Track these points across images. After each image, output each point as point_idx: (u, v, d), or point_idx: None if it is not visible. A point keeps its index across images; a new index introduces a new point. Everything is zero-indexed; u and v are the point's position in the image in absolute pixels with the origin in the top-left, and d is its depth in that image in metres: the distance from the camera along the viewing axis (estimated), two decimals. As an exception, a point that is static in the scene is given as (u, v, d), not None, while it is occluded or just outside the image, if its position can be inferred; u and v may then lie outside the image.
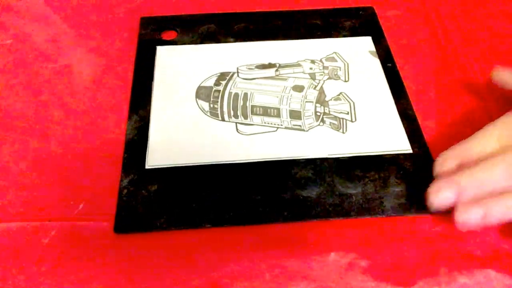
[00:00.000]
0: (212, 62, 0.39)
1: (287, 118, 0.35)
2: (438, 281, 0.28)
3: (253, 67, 0.38)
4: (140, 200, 0.31)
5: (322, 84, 0.37)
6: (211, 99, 0.36)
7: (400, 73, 0.38)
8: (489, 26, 0.42)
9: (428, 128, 0.35)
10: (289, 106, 0.36)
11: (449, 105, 0.37)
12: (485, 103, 0.36)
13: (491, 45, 0.40)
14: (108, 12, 0.43)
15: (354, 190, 0.31)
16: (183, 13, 0.43)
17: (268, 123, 0.35)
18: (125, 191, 0.32)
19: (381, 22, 0.42)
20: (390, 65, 0.39)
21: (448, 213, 0.28)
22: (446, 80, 0.38)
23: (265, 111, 0.36)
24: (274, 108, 0.36)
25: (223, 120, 0.35)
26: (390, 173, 0.32)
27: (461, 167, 0.29)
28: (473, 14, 0.43)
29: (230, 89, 0.37)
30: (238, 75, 0.38)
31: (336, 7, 0.44)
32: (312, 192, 0.31)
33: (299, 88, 0.37)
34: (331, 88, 0.37)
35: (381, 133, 0.34)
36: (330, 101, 0.36)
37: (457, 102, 0.37)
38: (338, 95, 0.37)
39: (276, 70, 0.38)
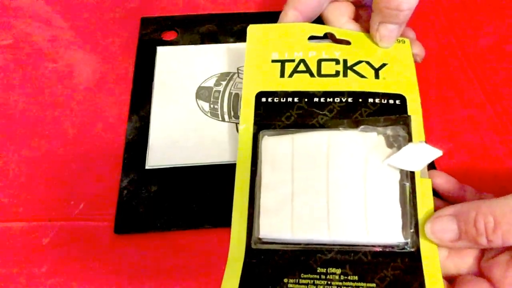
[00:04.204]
0: (212, 62, 0.39)
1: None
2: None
3: (253, 68, 0.38)
4: (140, 201, 0.31)
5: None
6: (212, 100, 0.36)
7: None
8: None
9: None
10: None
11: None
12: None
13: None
14: (108, 12, 0.43)
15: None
16: (183, 13, 0.43)
17: (268, 124, 0.35)
18: (125, 191, 0.32)
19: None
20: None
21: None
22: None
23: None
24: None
25: (223, 120, 0.35)
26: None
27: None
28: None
29: (231, 89, 0.37)
30: (238, 76, 0.38)
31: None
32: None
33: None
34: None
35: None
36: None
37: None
38: None
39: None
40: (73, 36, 0.41)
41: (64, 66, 0.39)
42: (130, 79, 0.38)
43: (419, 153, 0.27)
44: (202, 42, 0.40)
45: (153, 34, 0.41)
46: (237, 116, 0.35)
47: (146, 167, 0.33)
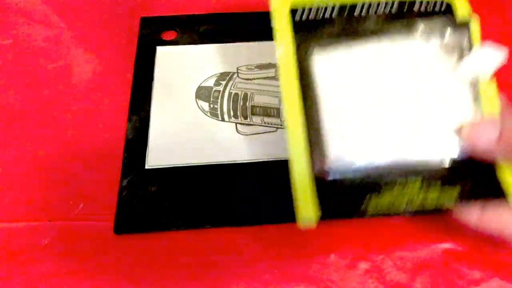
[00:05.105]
0: (212, 62, 0.39)
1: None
2: (438, 284, 0.28)
3: (253, 67, 0.38)
4: (140, 201, 0.31)
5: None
6: (211, 99, 0.36)
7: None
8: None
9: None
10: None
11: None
12: None
13: None
14: (108, 12, 0.43)
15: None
16: (183, 13, 0.42)
17: (268, 123, 0.35)
18: (125, 191, 0.32)
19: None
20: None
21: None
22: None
23: (265, 111, 0.36)
24: (274, 108, 0.36)
25: (223, 120, 0.35)
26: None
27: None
28: None
29: (230, 89, 0.37)
30: (238, 75, 0.38)
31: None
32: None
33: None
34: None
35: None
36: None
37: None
38: None
39: (276, 70, 0.38)
40: (73, 36, 0.41)
41: (64, 66, 0.39)
42: (129, 79, 0.38)
43: (484, 59, 0.26)
44: (202, 42, 0.40)
45: (153, 34, 0.41)
46: (236, 116, 0.35)
47: (146, 167, 0.33)
